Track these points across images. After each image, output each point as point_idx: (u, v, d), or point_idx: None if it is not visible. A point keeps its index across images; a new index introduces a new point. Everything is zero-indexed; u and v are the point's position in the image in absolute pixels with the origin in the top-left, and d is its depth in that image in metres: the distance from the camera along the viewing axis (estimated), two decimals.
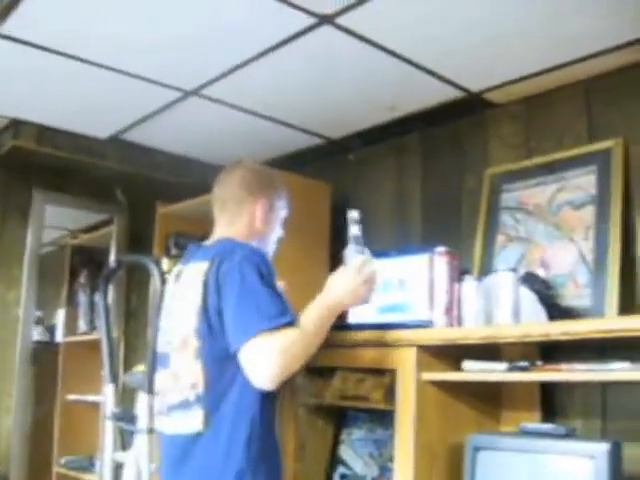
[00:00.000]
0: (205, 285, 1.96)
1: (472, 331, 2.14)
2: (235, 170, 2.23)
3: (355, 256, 2.07)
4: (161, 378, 2.07)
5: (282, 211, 2.24)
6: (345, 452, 2.67)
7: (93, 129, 3.41)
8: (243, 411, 1.93)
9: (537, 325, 2.08)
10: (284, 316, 1.88)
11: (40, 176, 3.85)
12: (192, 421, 1.95)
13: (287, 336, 1.85)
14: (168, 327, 2.08)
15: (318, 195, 3.26)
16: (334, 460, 2.69)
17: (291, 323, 1.88)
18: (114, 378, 2.54)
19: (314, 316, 1.95)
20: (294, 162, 3.45)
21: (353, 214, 2.12)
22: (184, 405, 1.98)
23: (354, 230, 2.11)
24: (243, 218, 2.16)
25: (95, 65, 2.65)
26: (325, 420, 2.72)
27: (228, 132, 3.30)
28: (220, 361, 1.93)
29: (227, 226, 2.17)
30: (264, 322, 1.86)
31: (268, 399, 1.96)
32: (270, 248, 2.23)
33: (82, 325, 4.60)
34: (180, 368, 2.01)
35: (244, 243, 2.07)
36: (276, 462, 2.02)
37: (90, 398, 4.21)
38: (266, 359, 1.84)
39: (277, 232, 2.24)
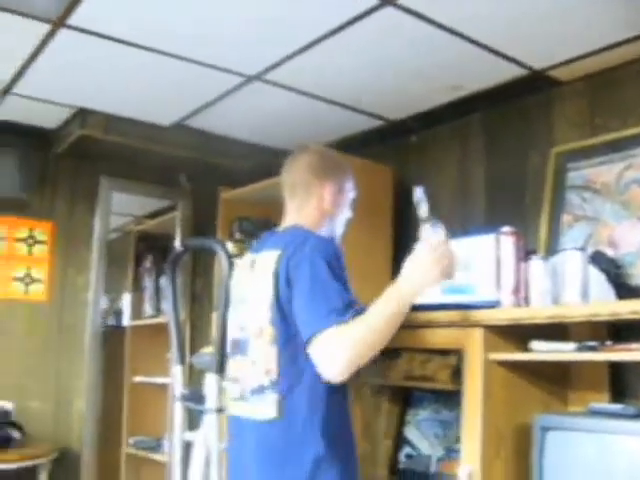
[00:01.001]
0: (276, 276, 1.97)
1: (539, 310, 2.12)
2: (302, 154, 2.24)
3: (429, 235, 2.00)
4: (238, 364, 2.10)
5: (350, 193, 2.25)
6: (411, 432, 2.68)
7: (157, 116, 3.48)
8: (317, 397, 1.93)
9: (606, 304, 2.05)
10: (352, 309, 1.88)
11: (107, 163, 3.95)
12: (267, 407, 1.97)
13: (356, 329, 1.84)
14: (244, 314, 2.11)
15: (380, 178, 3.26)
16: (400, 440, 2.71)
17: (359, 314, 1.87)
18: (182, 359, 2.60)
19: (386, 307, 1.89)
20: (355, 145, 3.45)
21: (418, 192, 2.04)
22: (259, 391, 2.00)
23: (423, 208, 2.03)
24: (312, 202, 2.17)
25: (159, 53, 2.70)
26: (391, 400, 2.74)
27: (290, 116, 3.32)
28: (294, 348, 1.94)
29: (297, 211, 2.18)
30: (332, 316, 1.85)
31: (340, 385, 1.96)
32: (340, 230, 2.24)
33: (148, 309, 4.71)
34: (256, 354, 2.03)
35: (314, 232, 2.08)
36: (351, 447, 2.03)
37: (156, 380, 4.31)
38: (335, 353, 1.84)
39: (346, 214, 2.25)
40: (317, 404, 1.93)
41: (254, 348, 2.04)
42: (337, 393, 1.97)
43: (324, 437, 1.92)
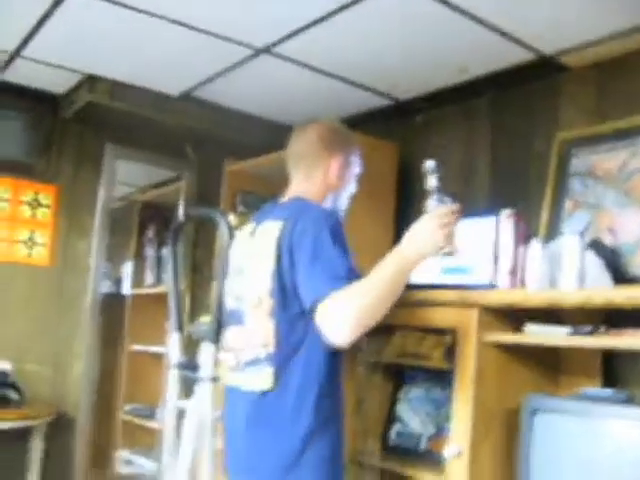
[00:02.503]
0: (279, 246, 1.98)
1: (535, 294, 2.14)
2: (311, 126, 2.24)
3: (436, 207, 1.96)
4: (235, 335, 2.12)
5: (356, 167, 2.26)
6: (402, 410, 2.70)
7: (165, 86, 3.48)
8: (311, 371, 1.95)
9: (601, 290, 2.06)
10: (355, 275, 1.88)
11: (113, 131, 3.94)
12: (262, 378, 1.98)
13: (360, 292, 1.82)
14: (241, 284, 2.12)
15: (385, 155, 3.26)
16: (391, 417, 2.73)
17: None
18: (180, 327, 2.61)
19: (388, 270, 1.87)
20: (362, 122, 3.44)
21: (430, 164, 1.99)
22: (255, 362, 2.01)
23: (432, 181, 1.98)
24: (319, 173, 2.17)
25: (169, 21, 2.69)
26: (384, 378, 2.76)
27: (298, 91, 3.32)
28: (291, 321, 1.96)
29: (302, 182, 2.19)
30: (336, 281, 1.84)
31: (335, 359, 1.98)
32: (343, 203, 2.26)
33: (149, 278, 4.74)
34: (254, 326, 2.04)
35: (317, 204, 2.10)
36: (342, 421, 2.05)
37: (154, 349, 4.34)
38: (341, 316, 1.82)
39: (351, 187, 2.26)
40: (312, 378, 1.95)
41: (252, 319, 2.05)
42: (331, 367, 1.98)
43: (317, 410, 1.94)
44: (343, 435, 2.05)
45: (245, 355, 2.06)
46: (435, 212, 1.93)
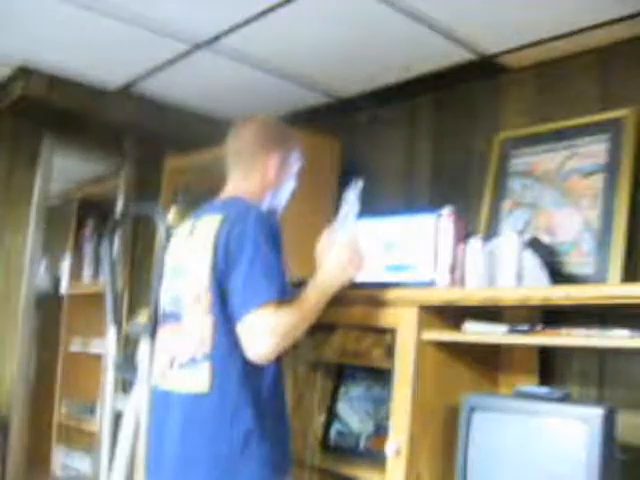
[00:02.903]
0: (216, 242, 1.97)
1: (473, 292, 2.15)
2: (249, 124, 2.24)
3: (347, 234, 2.17)
4: (170, 333, 2.09)
5: (295, 164, 2.26)
6: (342, 408, 2.70)
7: (103, 80, 3.39)
8: (249, 371, 1.94)
9: (538, 288, 2.09)
10: (285, 292, 1.92)
11: (50, 125, 3.83)
12: (198, 380, 1.96)
13: (285, 316, 1.90)
14: (179, 285, 2.09)
15: (327, 152, 3.24)
16: (331, 416, 2.72)
17: (287, 300, 1.93)
18: (117, 323, 2.55)
19: (312, 297, 2.00)
20: (304, 120, 3.42)
21: (352, 194, 2.21)
22: (191, 363, 1.99)
23: (352, 210, 2.21)
24: (257, 171, 2.17)
25: (107, 14, 2.62)
26: (324, 376, 2.75)
27: (238, 87, 3.28)
28: (229, 320, 1.94)
29: (241, 180, 2.18)
30: (272, 293, 1.89)
31: (274, 359, 1.97)
32: (282, 199, 2.26)
33: (87, 276, 4.64)
34: (191, 323, 2.01)
35: (256, 205, 2.09)
36: (283, 422, 2.05)
37: (92, 350, 4.26)
38: (264, 334, 1.89)
39: (290, 185, 2.27)
40: (249, 378, 1.94)
41: (189, 316, 2.02)
42: (269, 367, 1.97)
43: (255, 411, 1.92)
44: (287, 436, 2.04)
45: (180, 356, 2.02)
46: (346, 242, 2.14)
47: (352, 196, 2.21)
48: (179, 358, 2.02)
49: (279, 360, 2.01)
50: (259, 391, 1.95)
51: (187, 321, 2.03)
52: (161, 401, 2.09)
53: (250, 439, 1.91)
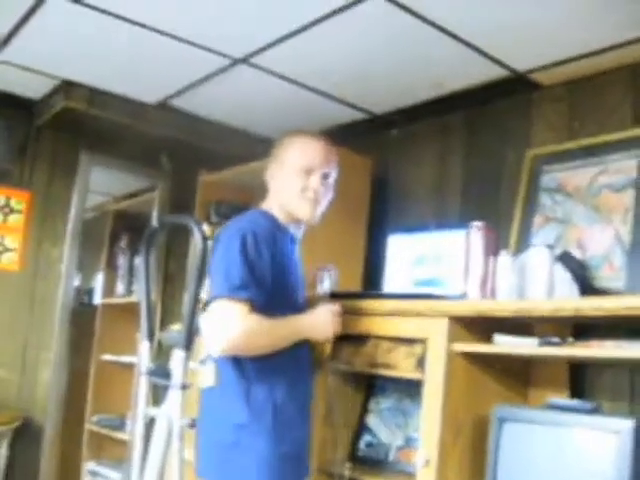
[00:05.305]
0: (211, 255, 2.16)
1: (504, 304, 2.16)
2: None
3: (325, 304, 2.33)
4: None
5: (294, 161, 2.20)
6: (372, 420, 2.71)
7: (142, 94, 3.47)
8: (241, 368, 2.10)
9: (569, 300, 2.09)
10: (246, 290, 2.02)
11: (88, 138, 3.93)
12: (208, 375, 2.18)
13: (253, 319, 2.02)
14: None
15: (359, 168, 3.28)
16: (361, 427, 2.73)
17: (250, 299, 2.02)
18: (150, 336, 2.61)
19: (285, 328, 2.14)
20: (337, 136, 3.44)
21: (330, 275, 2.50)
22: (204, 360, 2.21)
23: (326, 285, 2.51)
24: (270, 185, 2.28)
25: (148, 29, 2.70)
26: (354, 387, 2.77)
27: (273, 103, 3.34)
28: None
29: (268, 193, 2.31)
30: (225, 289, 2.03)
31: (269, 359, 2.09)
32: (295, 202, 2.21)
33: (120, 288, 4.71)
34: (203, 325, 2.20)
35: (250, 213, 2.24)
36: (299, 427, 2.15)
37: (124, 359, 4.31)
38: (222, 324, 2.03)
39: (295, 184, 2.20)
40: (242, 375, 2.10)
41: (202, 319, 2.20)
42: (264, 367, 2.10)
43: (248, 406, 2.07)
44: (302, 442, 2.15)
45: (200, 354, 2.26)
46: (327, 310, 2.27)
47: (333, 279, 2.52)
48: (198, 357, 2.27)
49: (277, 361, 2.11)
50: (251, 388, 2.09)
51: (202, 323, 2.21)
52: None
53: (242, 432, 2.05)
